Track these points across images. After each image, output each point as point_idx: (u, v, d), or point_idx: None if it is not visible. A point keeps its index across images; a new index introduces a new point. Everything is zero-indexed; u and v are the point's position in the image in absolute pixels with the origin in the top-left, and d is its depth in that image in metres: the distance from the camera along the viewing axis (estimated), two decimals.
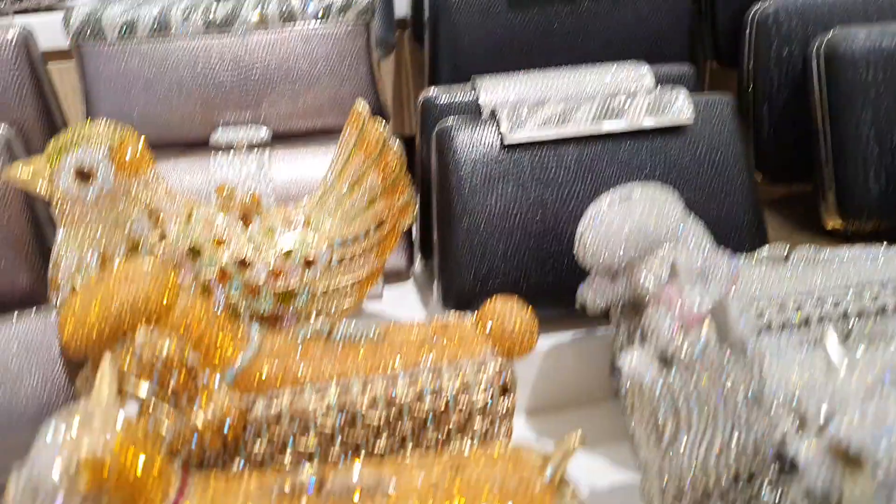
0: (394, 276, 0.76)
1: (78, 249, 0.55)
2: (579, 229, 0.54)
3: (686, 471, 0.46)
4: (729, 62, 0.83)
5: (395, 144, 0.60)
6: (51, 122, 0.73)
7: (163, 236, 0.56)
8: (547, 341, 0.66)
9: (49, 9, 0.92)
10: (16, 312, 0.64)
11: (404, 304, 0.74)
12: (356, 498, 0.38)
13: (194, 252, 0.56)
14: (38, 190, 0.53)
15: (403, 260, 0.75)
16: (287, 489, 0.39)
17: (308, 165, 0.70)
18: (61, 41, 0.73)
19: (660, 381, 0.45)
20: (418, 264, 0.79)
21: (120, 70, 0.69)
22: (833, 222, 0.73)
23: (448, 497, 0.39)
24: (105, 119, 0.56)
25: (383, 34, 0.88)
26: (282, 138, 0.73)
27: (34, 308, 0.64)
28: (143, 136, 0.56)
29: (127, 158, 0.54)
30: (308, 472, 0.39)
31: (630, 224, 0.52)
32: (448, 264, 0.65)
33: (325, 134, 0.73)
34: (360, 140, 0.60)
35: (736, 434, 0.44)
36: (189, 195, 0.61)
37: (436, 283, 0.68)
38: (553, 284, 0.63)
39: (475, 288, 0.64)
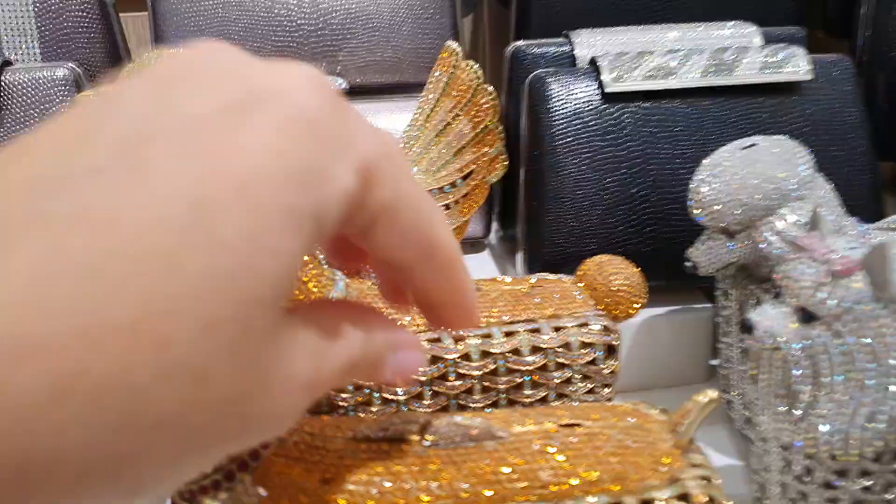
0: (469, 246, 0.72)
1: None
2: (695, 181, 0.49)
3: (822, 443, 0.41)
4: (839, 31, 0.78)
5: (489, 89, 0.55)
6: (118, 65, 0.69)
7: None
8: (639, 316, 0.61)
9: None
10: None
11: (481, 274, 0.69)
12: (465, 441, 0.34)
13: None
14: None
15: (480, 228, 0.70)
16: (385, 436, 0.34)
17: (390, 120, 0.66)
18: None
19: (799, 340, 0.40)
20: (493, 235, 0.74)
21: (192, 11, 0.66)
22: None
23: (567, 447, 0.34)
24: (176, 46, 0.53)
25: None
26: (357, 93, 0.69)
27: None
28: None
29: None
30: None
31: (756, 175, 0.47)
32: (536, 228, 0.60)
33: (402, 90, 0.69)
34: (450, 83, 0.55)
35: (888, 401, 0.39)
36: None
37: (520, 250, 0.63)
38: (652, 253, 0.58)
39: (565, 254, 0.59)
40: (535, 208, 0.60)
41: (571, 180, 0.58)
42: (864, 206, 0.59)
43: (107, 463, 0.18)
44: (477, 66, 0.55)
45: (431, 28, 0.68)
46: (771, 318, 0.40)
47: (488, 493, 0.33)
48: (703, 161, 0.49)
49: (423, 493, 0.33)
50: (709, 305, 0.62)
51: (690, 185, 0.49)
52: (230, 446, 0.22)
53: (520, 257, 0.63)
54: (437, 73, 0.56)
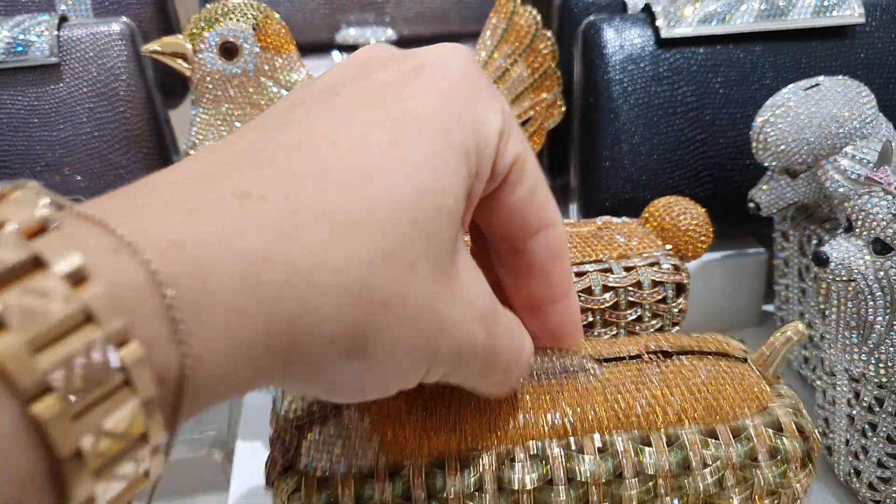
0: None
1: (217, 132, 0.51)
2: (759, 122, 0.49)
3: (894, 374, 0.42)
4: None
5: (548, 34, 0.56)
6: (167, 21, 0.70)
7: None
8: (692, 261, 0.62)
9: None
10: None
11: None
12: (559, 374, 0.35)
13: None
14: (178, 65, 0.50)
15: None
16: None
17: None
18: None
19: (874, 271, 0.40)
20: None
21: None
22: None
23: (659, 378, 0.35)
24: None
25: None
26: (405, 44, 0.69)
27: None
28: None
29: (270, 35, 0.51)
30: None
31: (821, 113, 0.47)
32: (592, 175, 0.61)
33: (449, 40, 0.69)
34: (508, 29, 0.56)
35: None
36: None
37: (574, 198, 0.64)
38: (709, 197, 0.59)
39: (623, 200, 0.59)
40: (591, 156, 0.60)
41: (628, 126, 0.58)
42: None
43: (349, 332, 0.22)
44: (535, 11, 0.56)
45: None
46: (845, 250, 0.41)
47: (583, 423, 0.34)
48: (767, 102, 0.49)
49: (518, 424, 0.34)
50: (762, 250, 0.62)
51: (753, 126, 0.50)
52: (428, 357, 0.25)
53: (574, 206, 0.63)
54: (493, 20, 0.56)
